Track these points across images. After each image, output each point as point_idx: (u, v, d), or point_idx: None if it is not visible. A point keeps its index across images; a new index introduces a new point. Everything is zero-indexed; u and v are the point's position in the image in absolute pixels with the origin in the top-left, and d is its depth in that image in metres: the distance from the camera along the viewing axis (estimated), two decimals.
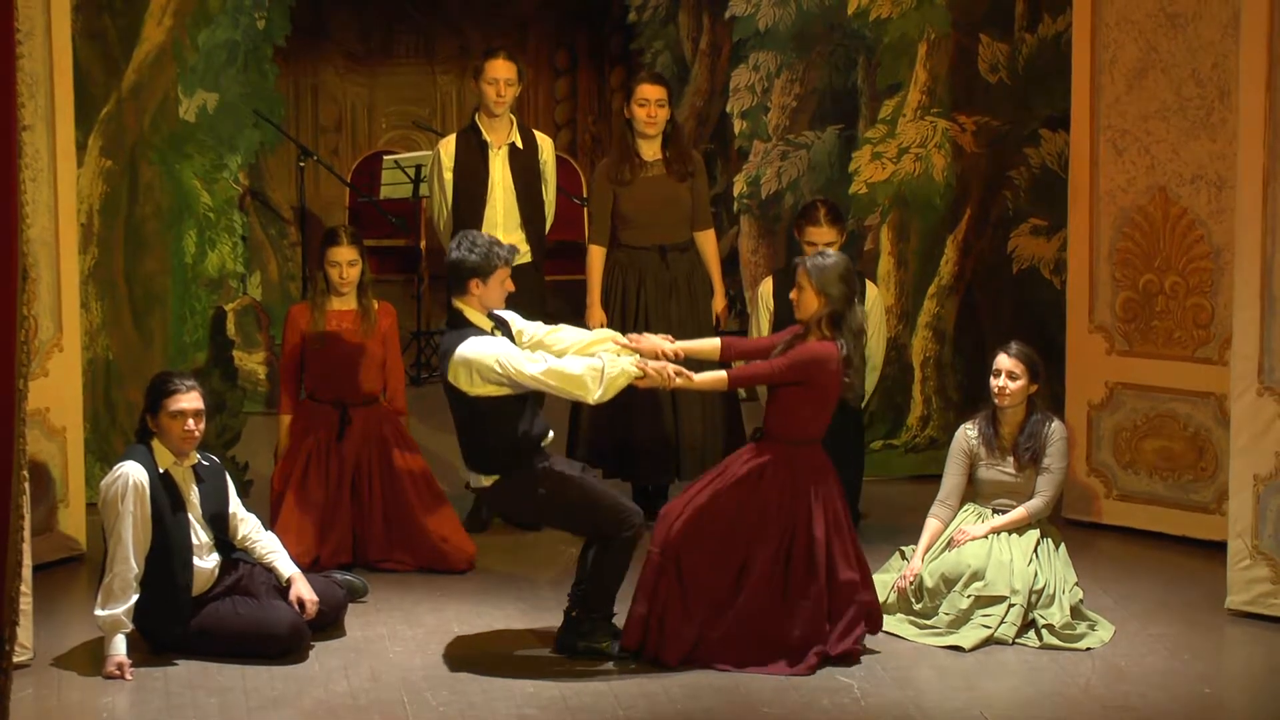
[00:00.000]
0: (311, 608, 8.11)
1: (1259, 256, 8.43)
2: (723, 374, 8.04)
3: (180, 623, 7.97)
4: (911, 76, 10.51)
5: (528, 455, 7.97)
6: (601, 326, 9.20)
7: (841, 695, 7.69)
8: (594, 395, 7.79)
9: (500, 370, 7.78)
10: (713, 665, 7.92)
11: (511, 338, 8.03)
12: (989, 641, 8.20)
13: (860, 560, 8.07)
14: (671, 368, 7.87)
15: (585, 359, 7.88)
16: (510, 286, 8.06)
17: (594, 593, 8.07)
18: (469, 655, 8.10)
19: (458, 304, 8.01)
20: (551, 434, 8.11)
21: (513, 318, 8.15)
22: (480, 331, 7.93)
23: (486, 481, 8.04)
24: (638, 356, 7.94)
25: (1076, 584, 8.42)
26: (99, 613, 7.87)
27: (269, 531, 8.36)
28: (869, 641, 8.19)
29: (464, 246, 7.99)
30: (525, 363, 7.78)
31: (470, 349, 7.83)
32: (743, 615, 7.92)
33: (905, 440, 10.71)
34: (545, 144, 9.83)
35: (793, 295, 8.04)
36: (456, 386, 7.87)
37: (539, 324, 8.20)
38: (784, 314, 9.37)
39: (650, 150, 9.58)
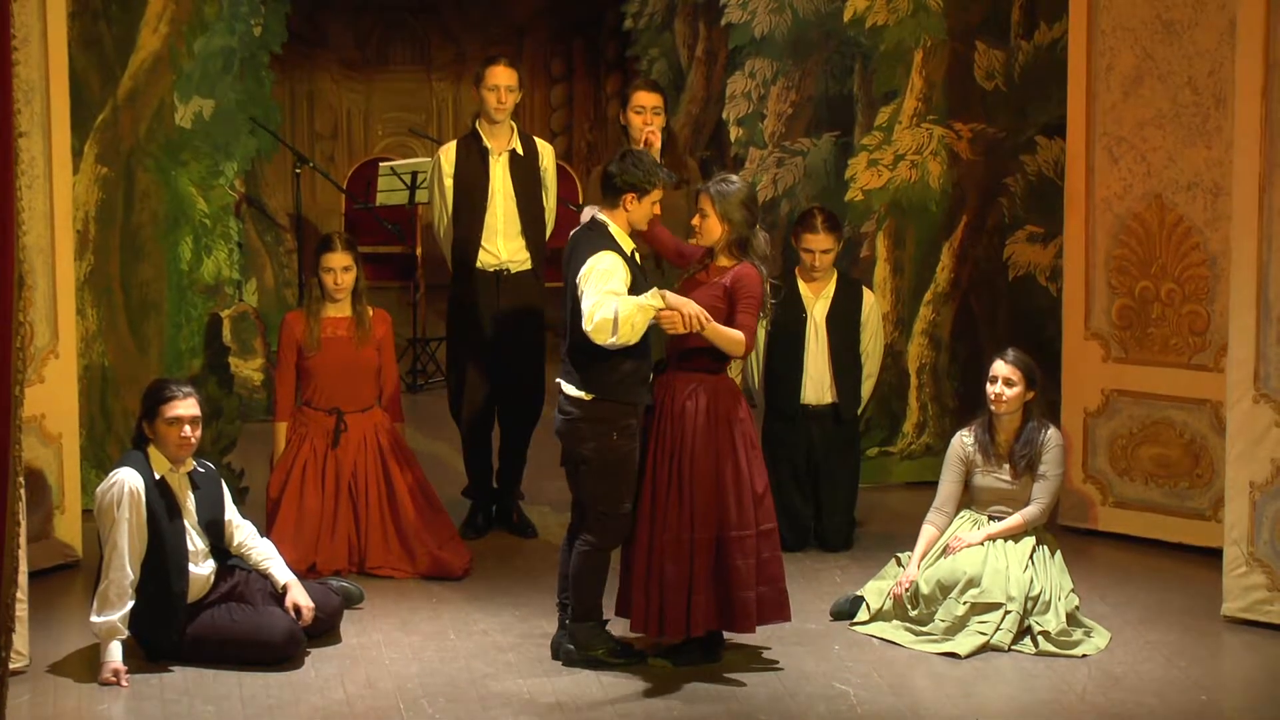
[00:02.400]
0: (308, 614, 8.10)
1: (1255, 263, 8.44)
2: (741, 337, 7.85)
3: (176, 629, 7.96)
4: (908, 84, 10.51)
5: (629, 387, 7.87)
6: None
7: (838, 702, 7.69)
8: (609, 340, 7.69)
9: (589, 289, 7.72)
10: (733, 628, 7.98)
11: (644, 272, 8.00)
12: (985, 648, 8.20)
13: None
14: (697, 309, 7.74)
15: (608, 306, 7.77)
16: (658, 210, 8.02)
17: (576, 600, 8.07)
18: (465, 662, 8.10)
19: (605, 216, 7.94)
20: (652, 377, 8.01)
21: None
22: (619, 249, 7.86)
23: (586, 396, 7.88)
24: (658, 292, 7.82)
25: (1072, 591, 8.42)
26: (95, 619, 7.86)
27: (265, 538, 8.35)
28: (868, 650, 8.21)
29: (629, 159, 7.95)
30: (597, 297, 7.69)
31: (601, 262, 7.77)
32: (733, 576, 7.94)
33: (901, 447, 10.71)
34: (546, 151, 9.83)
35: (695, 221, 7.98)
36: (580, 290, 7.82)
37: None
38: (783, 317, 9.37)
39: None
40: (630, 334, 7.70)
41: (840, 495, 9.63)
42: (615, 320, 7.67)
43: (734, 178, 8.08)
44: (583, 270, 7.79)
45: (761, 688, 7.84)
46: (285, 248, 12.74)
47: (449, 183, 9.65)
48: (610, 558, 8.04)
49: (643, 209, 7.92)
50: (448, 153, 9.71)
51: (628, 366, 7.84)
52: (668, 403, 7.95)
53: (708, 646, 8.06)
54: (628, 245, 7.92)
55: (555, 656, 8.11)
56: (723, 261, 7.96)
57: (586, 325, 7.69)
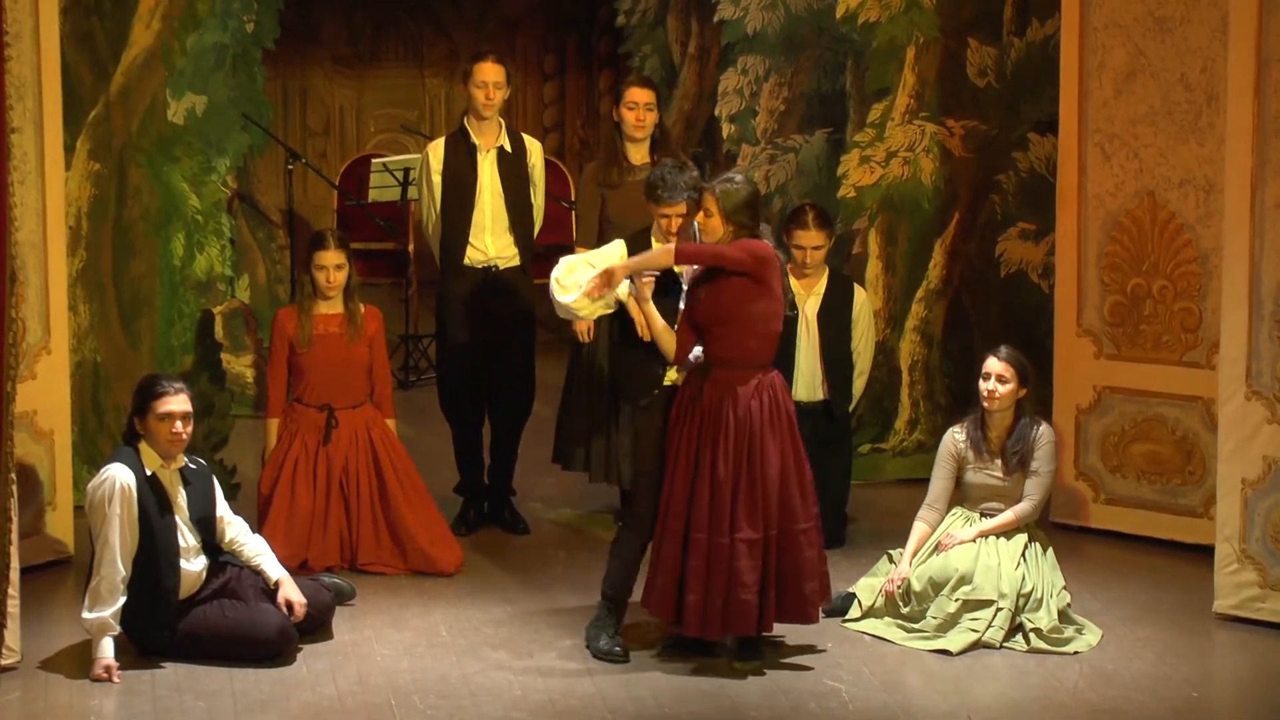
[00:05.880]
0: (299, 610, 8.10)
1: (1247, 261, 8.44)
2: (670, 246, 7.90)
3: (168, 626, 7.96)
4: (900, 81, 10.52)
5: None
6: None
7: (829, 699, 7.69)
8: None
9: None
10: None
11: None
12: (976, 645, 8.21)
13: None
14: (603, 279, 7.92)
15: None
16: (667, 225, 8.07)
17: (609, 574, 8.16)
18: (456, 658, 8.10)
19: None
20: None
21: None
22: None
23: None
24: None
25: (1064, 588, 8.43)
26: (86, 615, 7.86)
27: (256, 534, 8.35)
28: (860, 647, 8.22)
29: (658, 168, 8.13)
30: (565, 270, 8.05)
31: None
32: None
33: (893, 444, 10.71)
34: (534, 147, 9.84)
35: (698, 219, 7.92)
36: None
37: None
38: None
39: (638, 154, 9.56)
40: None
41: (832, 492, 9.62)
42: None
43: (739, 176, 8.05)
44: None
45: (753, 684, 7.84)
46: (277, 244, 12.74)
47: (437, 179, 9.65)
48: (638, 553, 8.06)
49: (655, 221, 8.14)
50: (436, 149, 9.71)
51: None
52: (734, 407, 7.90)
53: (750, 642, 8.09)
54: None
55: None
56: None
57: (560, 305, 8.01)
